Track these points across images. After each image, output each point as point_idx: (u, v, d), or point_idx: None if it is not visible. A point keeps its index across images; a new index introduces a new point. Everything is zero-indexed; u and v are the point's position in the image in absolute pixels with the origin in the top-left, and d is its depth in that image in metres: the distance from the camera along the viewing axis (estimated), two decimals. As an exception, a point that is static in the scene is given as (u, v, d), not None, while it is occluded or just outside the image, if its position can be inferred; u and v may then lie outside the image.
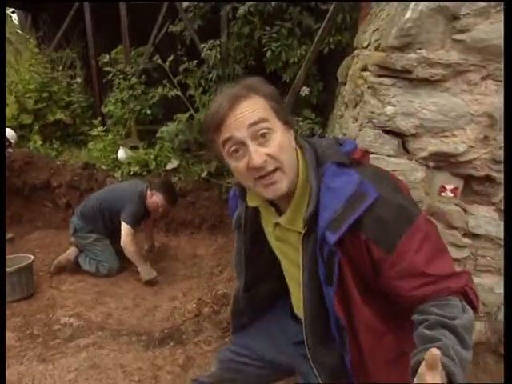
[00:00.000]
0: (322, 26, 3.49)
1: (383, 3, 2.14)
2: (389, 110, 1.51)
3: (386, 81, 1.52)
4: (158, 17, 4.57)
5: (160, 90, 4.13)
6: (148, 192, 3.31)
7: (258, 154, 0.93)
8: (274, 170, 0.95)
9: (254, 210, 1.17)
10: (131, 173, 4.32)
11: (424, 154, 1.53)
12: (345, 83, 2.87)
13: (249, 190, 1.12)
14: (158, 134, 3.96)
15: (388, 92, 1.51)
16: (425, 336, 0.86)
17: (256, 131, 0.94)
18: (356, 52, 2.52)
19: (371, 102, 1.56)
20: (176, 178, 4.18)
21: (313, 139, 1.08)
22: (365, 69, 1.81)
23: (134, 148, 4.67)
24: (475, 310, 0.95)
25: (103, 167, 4.48)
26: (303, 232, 1.01)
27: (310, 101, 4.06)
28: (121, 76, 4.44)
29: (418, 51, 1.42)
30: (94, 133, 4.48)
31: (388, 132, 1.56)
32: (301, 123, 3.81)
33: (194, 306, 2.77)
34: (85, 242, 3.32)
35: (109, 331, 2.59)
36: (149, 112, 4.41)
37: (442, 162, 1.54)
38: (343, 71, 2.95)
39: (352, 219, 0.90)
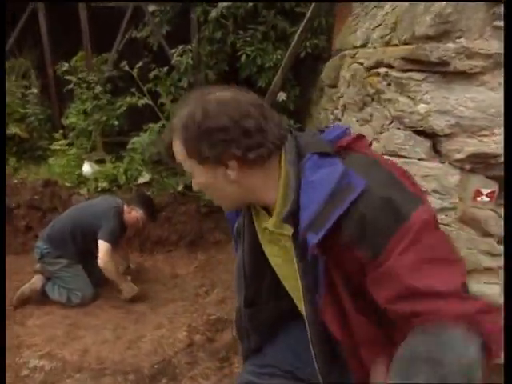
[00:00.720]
0: (300, 29, 3.31)
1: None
2: (422, 107, 1.32)
3: (416, 75, 1.33)
4: (121, 22, 4.23)
5: (128, 98, 3.78)
6: (125, 207, 2.97)
7: (193, 183, 0.94)
8: None
9: (252, 217, 1.04)
10: (99, 189, 3.93)
11: (460, 155, 1.35)
12: (334, 86, 2.70)
13: None
14: (130, 146, 3.62)
15: (419, 88, 1.33)
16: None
17: None
18: (348, 52, 2.35)
19: (400, 100, 1.37)
20: (149, 193, 3.83)
21: (299, 133, 0.93)
22: (376, 66, 1.62)
23: (100, 162, 4.27)
24: (489, 351, 0.68)
25: (67, 184, 4.05)
26: (291, 234, 0.86)
27: (287, 107, 3.88)
28: (83, 85, 4.05)
29: (457, 40, 1.24)
30: (56, 147, 4.05)
31: (419, 133, 1.38)
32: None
33: (185, 334, 2.45)
34: (53, 268, 2.91)
35: (88, 372, 2.23)
36: (116, 123, 4.04)
37: (480, 163, 1.37)
38: (331, 73, 2.78)
39: (335, 216, 0.74)
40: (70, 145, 4.22)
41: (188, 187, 3.74)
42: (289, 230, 0.85)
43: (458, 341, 0.65)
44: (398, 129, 1.38)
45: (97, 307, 2.92)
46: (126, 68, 3.66)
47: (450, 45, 1.25)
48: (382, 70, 1.51)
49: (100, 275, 3.15)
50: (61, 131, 4.12)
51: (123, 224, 2.98)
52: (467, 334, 0.66)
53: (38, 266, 3.16)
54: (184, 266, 3.54)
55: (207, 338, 2.37)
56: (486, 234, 1.46)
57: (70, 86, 4.23)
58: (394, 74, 1.39)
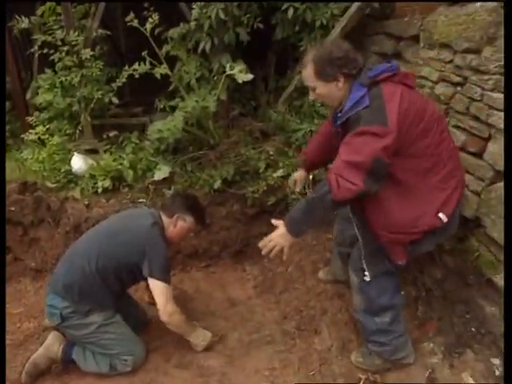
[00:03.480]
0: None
1: None
2: None
3: None
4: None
5: (137, 66, 2.64)
6: (165, 219, 2.01)
7: (311, 94, 1.68)
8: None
9: None
10: (99, 189, 2.83)
11: None
12: (478, 50, 1.90)
13: None
14: (155, 135, 2.54)
15: None
16: None
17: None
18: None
19: None
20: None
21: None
22: None
23: (91, 152, 3.12)
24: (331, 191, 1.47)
25: (49, 185, 2.88)
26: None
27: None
28: (63, 48, 2.79)
29: None
30: (31, 136, 2.80)
31: None
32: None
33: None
34: (84, 332, 1.87)
35: None
36: (115, 100, 2.88)
37: None
38: (473, 34, 1.95)
39: (352, 113, 1.52)
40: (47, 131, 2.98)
41: (228, 182, 2.79)
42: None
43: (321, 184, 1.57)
44: None
45: (157, 370, 1.97)
46: (135, 24, 2.51)
47: None
48: None
49: (138, 315, 2.23)
50: (36, 113, 2.85)
51: (167, 243, 2.02)
52: (325, 181, 1.51)
53: (46, 321, 2.12)
54: (237, 286, 2.65)
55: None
56: None
57: (38, 50, 2.94)
58: None
